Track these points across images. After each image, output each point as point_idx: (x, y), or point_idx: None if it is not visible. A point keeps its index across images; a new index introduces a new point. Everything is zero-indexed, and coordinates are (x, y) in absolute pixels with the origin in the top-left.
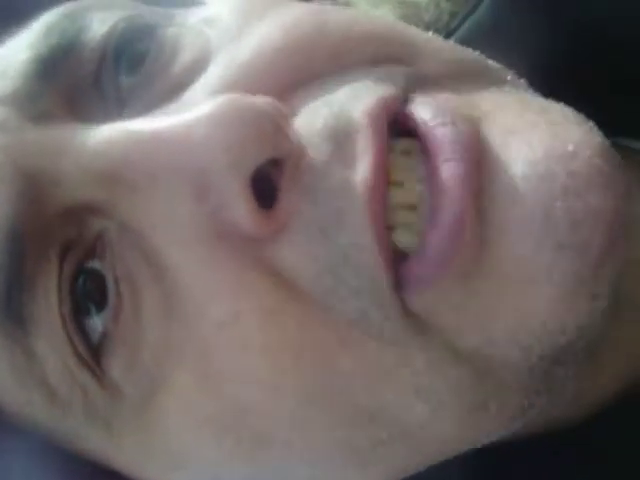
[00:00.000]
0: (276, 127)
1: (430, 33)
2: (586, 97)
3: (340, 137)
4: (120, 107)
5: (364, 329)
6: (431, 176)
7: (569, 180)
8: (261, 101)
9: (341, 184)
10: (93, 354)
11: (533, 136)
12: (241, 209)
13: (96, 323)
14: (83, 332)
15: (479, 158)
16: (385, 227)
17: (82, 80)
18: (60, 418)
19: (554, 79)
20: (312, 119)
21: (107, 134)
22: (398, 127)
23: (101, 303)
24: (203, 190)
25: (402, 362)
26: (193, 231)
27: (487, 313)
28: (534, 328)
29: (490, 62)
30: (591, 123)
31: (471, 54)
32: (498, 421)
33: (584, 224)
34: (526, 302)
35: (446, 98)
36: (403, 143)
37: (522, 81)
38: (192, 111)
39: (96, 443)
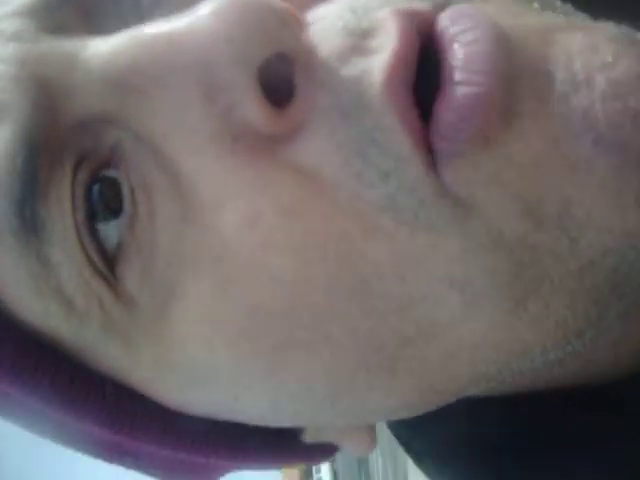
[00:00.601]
0: (282, 21)
1: None
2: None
3: (361, 33)
4: (139, 22)
5: (394, 216)
6: (448, 57)
7: (608, 87)
8: None
9: (360, 72)
10: (108, 263)
11: (572, 46)
12: (251, 105)
13: (111, 232)
14: (97, 241)
15: (510, 53)
16: (411, 106)
17: None
18: (78, 330)
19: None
20: (333, 22)
21: (115, 42)
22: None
23: (113, 210)
24: (211, 90)
25: (436, 248)
26: (206, 134)
27: (527, 186)
28: (580, 218)
29: None
30: (631, 31)
31: None
32: (539, 331)
33: (624, 125)
34: (568, 186)
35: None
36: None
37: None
38: (200, 8)
39: (113, 358)
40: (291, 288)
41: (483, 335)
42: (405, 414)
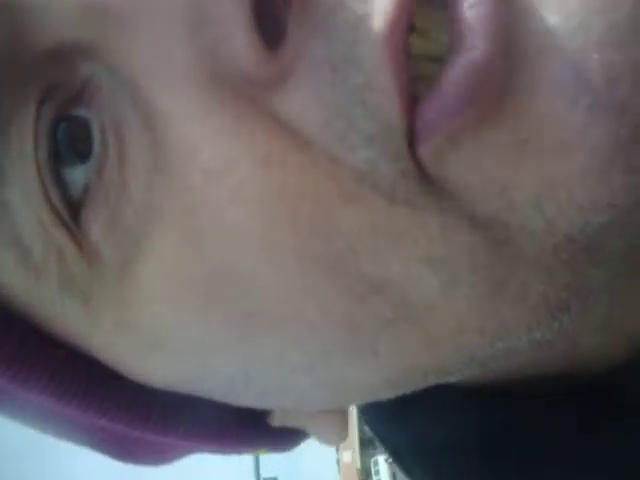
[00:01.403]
0: None
1: None
2: None
3: None
4: None
5: (373, 184)
6: (454, 20)
7: (608, 33)
8: None
9: (357, 16)
10: (71, 211)
11: None
12: (241, 42)
13: (77, 176)
14: (61, 184)
15: (508, 7)
16: (405, 67)
17: None
18: (34, 286)
19: None
20: None
21: None
22: None
23: (80, 153)
24: (200, 20)
25: (414, 224)
26: (187, 71)
27: (506, 171)
28: (560, 198)
29: None
30: None
31: None
32: (520, 310)
33: (623, 80)
34: (552, 166)
35: None
36: None
37: None
38: None
39: (71, 319)
40: (259, 250)
41: (464, 318)
42: (386, 393)
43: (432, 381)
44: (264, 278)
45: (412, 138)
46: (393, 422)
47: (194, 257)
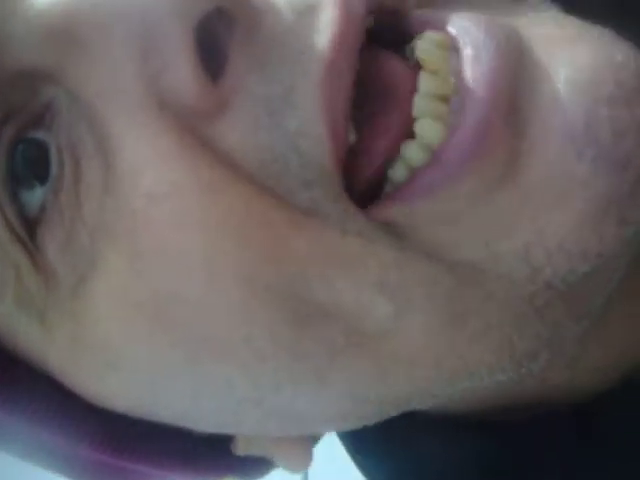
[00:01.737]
0: None
1: None
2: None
3: (305, 11)
4: None
5: (322, 217)
6: (461, 72)
7: (617, 89)
8: None
9: (296, 58)
10: (28, 229)
11: (578, 45)
12: (183, 70)
13: (35, 197)
14: (18, 203)
15: (518, 59)
16: (342, 113)
17: None
18: None
19: None
20: None
21: None
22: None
23: (38, 175)
24: (148, 48)
25: (367, 252)
26: (137, 97)
27: (499, 228)
28: (549, 245)
29: None
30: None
31: None
32: (480, 349)
33: (628, 135)
34: (548, 216)
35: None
36: (437, 36)
37: None
38: None
39: (29, 337)
40: (201, 275)
41: (418, 349)
42: (341, 425)
43: (391, 413)
44: (208, 304)
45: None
46: (372, 452)
47: (139, 279)
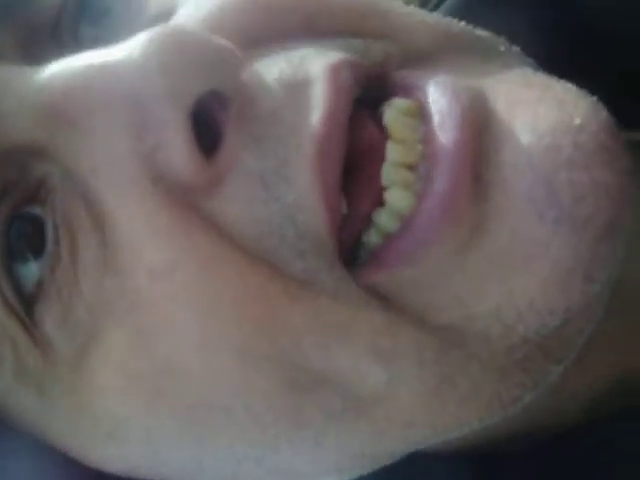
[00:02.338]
0: (221, 58)
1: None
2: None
3: (296, 87)
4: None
5: (316, 286)
6: (428, 140)
7: (575, 152)
8: (207, 34)
9: (289, 133)
10: (25, 304)
11: (539, 108)
12: (178, 149)
13: (31, 272)
14: (14, 279)
15: (482, 125)
16: (335, 186)
17: (40, 27)
18: None
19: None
20: (269, 68)
21: (49, 70)
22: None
23: (34, 251)
24: (141, 125)
25: (359, 319)
26: (131, 174)
27: (468, 289)
28: (520, 305)
29: (479, 32)
30: (594, 98)
31: (457, 25)
32: (469, 406)
33: (588, 198)
34: (516, 278)
35: (443, 71)
36: (405, 103)
37: (515, 50)
38: (135, 38)
39: (27, 408)
40: (201, 348)
41: (412, 412)
42: (338, 477)
43: (385, 462)
44: (207, 376)
45: (353, 260)
46: None
47: (140, 353)
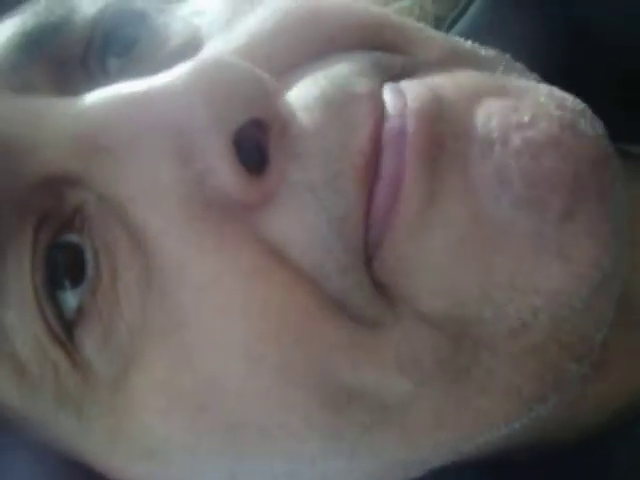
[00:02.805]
0: (260, 86)
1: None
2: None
3: (338, 106)
4: (107, 85)
5: (347, 308)
6: (378, 133)
7: (523, 145)
8: (248, 65)
9: (336, 148)
10: (66, 329)
11: (493, 106)
12: (226, 173)
13: (70, 298)
14: (56, 305)
15: (435, 117)
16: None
17: (69, 59)
18: (29, 399)
19: (549, 81)
20: (309, 89)
21: (87, 100)
22: None
23: (76, 279)
24: (185, 154)
25: (382, 341)
26: (175, 199)
27: (446, 270)
28: (502, 284)
29: (485, 52)
30: (564, 97)
31: (464, 43)
32: (491, 397)
33: (540, 184)
34: (488, 257)
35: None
36: None
37: (518, 65)
38: (176, 69)
39: (65, 430)
40: (242, 363)
41: (437, 413)
42: None
43: (413, 475)
44: (248, 392)
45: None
46: None
47: (183, 371)
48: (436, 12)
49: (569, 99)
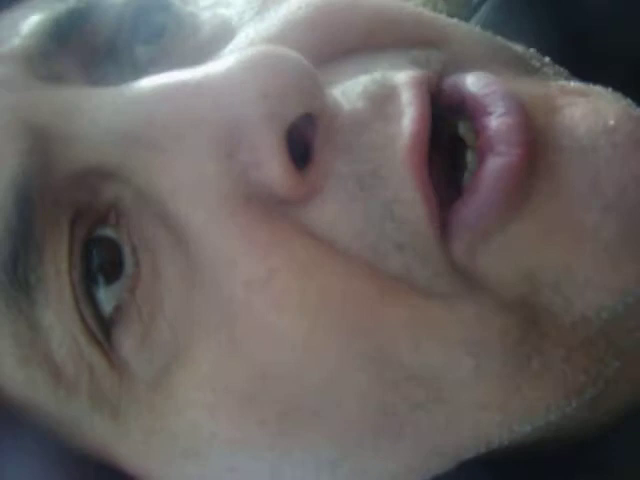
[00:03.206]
0: (313, 81)
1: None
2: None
3: (380, 99)
4: (135, 76)
5: (410, 283)
6: (484, 128)
7: (612, 151)
8: (301, 57)
9: (381, 138)
10: (103, 329)
11: (576, 112)
12: (275, 168)
13: (108, 295)
14: (94, 303)
15: (532, 120)
16: (428, 179)
17: (97, 46)
18: (64, 401)
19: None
20: (351, 85)
21: (129, 91)
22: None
23: (112, 275)
24: (234, 146)
25: (451, 315)
26: (218, 192)
27: (530, 258)
28: (577, 279)
29: (516, 47)
30: (628, 100)
31: (498, 39)
32: (540, 387)
33: (630, 188)
34: (571, 255)
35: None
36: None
37: (547, 61)
38: (228, 58)
39: (100, 432)
40: (302, 352)
41: (490, 394)
42: None
43: (446, 466)
44: (306, 378)
45: (443, 239)
46: None
47: (232, 364)
48: (449, 10)
49: (624, 99)
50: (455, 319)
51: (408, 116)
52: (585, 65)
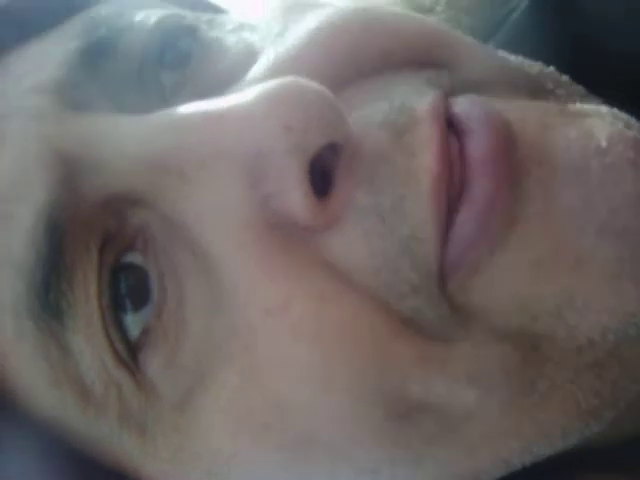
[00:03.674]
0: (336, 112)
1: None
2: (622, 99)
3: (401, 129)
4: (162, 102)
5: (417, 326)
6: (461, 153)
7: (604, 173)
8: (324, 88)
9: (402, 172)
10: (131, 351)
11: (569, 132)
12: (297, 197)
13: (135, 320)
14: (121, 328)
15: (510, 145)
16: (446, 218)
17: (125, 74)
18: (92, 421)
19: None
20: (371, 112)
21: (156, 120)
22: None
23: (139, 301)
24: (258, 176)
25: (452, 353)
26: (242, 219)
27: (524, 288)
28: (578, 305)
29: (530, 69)
30: (627, 117)
31: (512, 61)
32: (550, 409)
33: (623, 209)
34: (567, 279)
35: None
36: None
37: (564, 78)
38: (251, 90)
39: (127, 450)
40: (316, 381)
41: (500, 422)
42: None
43: None
44: (319, 408)
45: (443, 279)
46: None
47: (252, 390)
48: (472, 24)
49: (629, 117)
50: (455, 355)
51: (430, 152)
52: (602, 78)
